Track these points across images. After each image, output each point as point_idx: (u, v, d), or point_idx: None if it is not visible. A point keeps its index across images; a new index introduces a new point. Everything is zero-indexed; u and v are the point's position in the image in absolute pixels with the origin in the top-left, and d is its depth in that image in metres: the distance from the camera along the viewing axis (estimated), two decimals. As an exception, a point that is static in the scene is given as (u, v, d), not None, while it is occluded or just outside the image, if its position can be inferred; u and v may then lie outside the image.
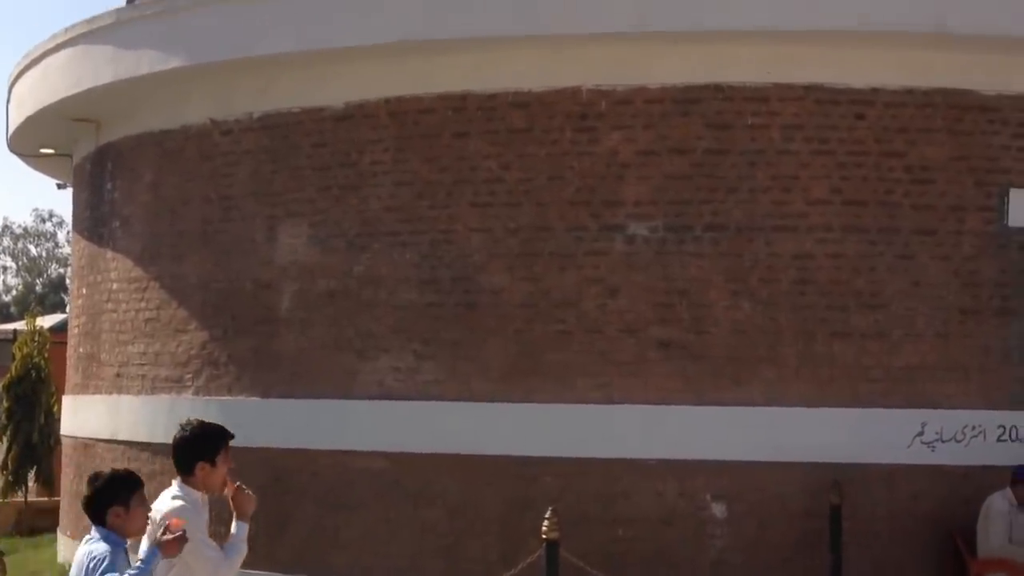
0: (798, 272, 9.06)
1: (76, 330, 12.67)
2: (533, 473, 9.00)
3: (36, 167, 15.20)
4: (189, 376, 10.50)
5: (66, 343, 13.34)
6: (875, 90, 9.15)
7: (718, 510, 8.87)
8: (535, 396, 9.07)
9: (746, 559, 8.82)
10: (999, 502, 8.61)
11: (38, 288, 49.79)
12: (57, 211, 51.97)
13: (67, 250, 40.28)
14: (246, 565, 5.29)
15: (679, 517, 8.89)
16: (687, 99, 9.15)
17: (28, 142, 13.41)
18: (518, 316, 9.19)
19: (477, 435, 9.10)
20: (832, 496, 8.50)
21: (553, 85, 9.23)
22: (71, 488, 12.39)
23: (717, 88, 9.13)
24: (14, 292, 50.60)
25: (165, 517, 4.82)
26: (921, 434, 8.94)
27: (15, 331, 17.63)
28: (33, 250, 52.28)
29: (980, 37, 8.86)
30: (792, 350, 9.00)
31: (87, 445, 12.01)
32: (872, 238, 9.11)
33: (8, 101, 13.16)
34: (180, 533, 4.70)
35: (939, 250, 9.16)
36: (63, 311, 29.24)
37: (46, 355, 15.83)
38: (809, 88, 9.13)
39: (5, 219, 71.01)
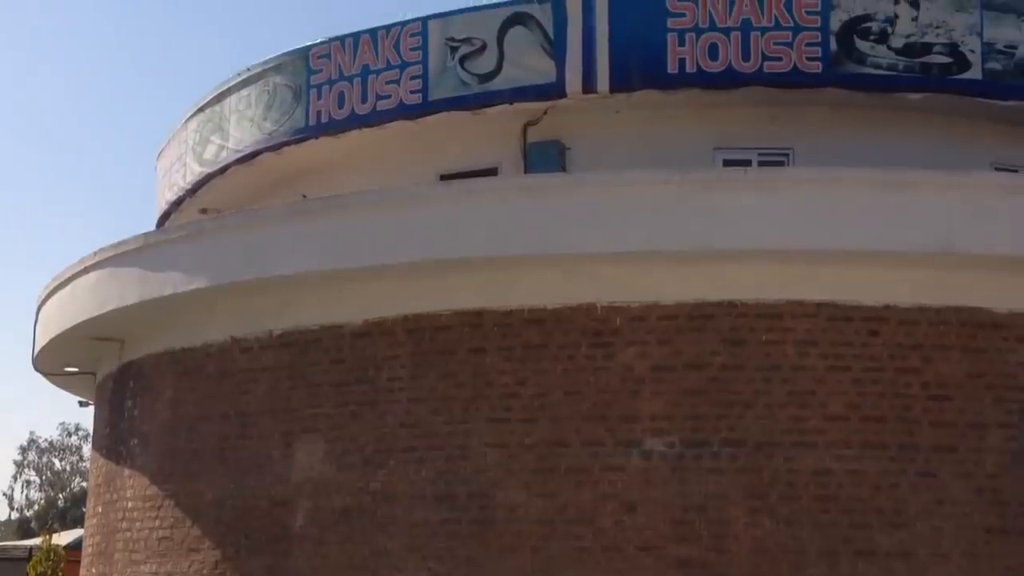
0: (819, 489, 8.94)
1: (89, 550, 12.50)
2: None
3: (60, 385, 15.36)
4: (199, 596, 10.29)
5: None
6: (888, 307, 9.27)
7: None
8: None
9: None
10: None
11: (60, 502, 49.36)
12: (84, 424, 52.23)
13: (86, 471, 40.02)
14: None
15: None
16: (701, 315, 9.27)
17: (53, 361, 13.61)
18: (534, 533, 9.04)
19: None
20: None
21: (568, 302, 9.39)
22: None
23: (730, 305, 9.27)
24: (36, 507, 50.17)
25: None
26: (955, 658, 8.60)
27: (31, 549, 17.42)
28: (57, 464, 52.17)
29: (987, 256, 9.04)
30: (816, 570, 8.79)
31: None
32: (892, 455, 9.02)
33: (36, 322, 13.44)
34: None
35: (961, 468, 9.05)
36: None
37: (60, 575, 15.56)
38: (822, 305, 9.25)
39: (31, 433, 71.24)
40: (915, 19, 11.43)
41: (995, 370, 9.25)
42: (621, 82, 11.65)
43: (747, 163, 11.65)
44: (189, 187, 14.63)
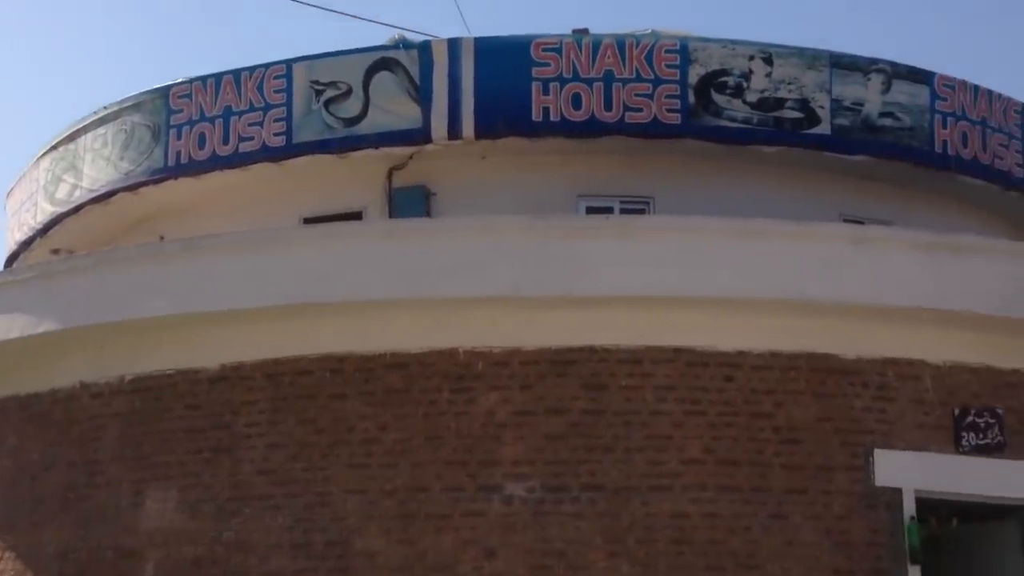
0: (675, 532, 9.07)
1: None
2: None
3: None
4: (41, 654, 9.84)
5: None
6: (742, 353, 9.49)
7: None
8: (410, 667, 8.71)
9: None
10: None
11: None
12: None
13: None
14: None
15: None
16: (563, 360, 9.35)
17: None
18: (393, 581, 8.94)
19: None
20: None
21: (431, 346, 9.37)
22: None
23: (591, 350, 9.38)
24: None
25: None
26: None
27: None
28: None
29: (835, 305, 9.35)
30: (672, 612, 8.88)
31: None
32: (745, 497, 9.22)
33: None
34: None
35: (811, 510, 9.29)
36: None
37: None
38: (679, 351, 9.43)
39: None
40: (769, 75, 11.88)
41: (843, 414, 9.55)
42: (486, 129, 11.79)
43: (609, 210, 11.88)
44: (40, 227, 14.18)
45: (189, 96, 12.54)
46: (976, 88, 12.67)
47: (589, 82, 11.69)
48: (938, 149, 12.32)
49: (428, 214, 11.86)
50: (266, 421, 9.54)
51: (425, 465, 9.17)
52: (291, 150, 12.11)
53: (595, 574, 8.93)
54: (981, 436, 9.88)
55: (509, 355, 9.35)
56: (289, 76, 12.15)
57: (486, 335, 9.36)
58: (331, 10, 14.85)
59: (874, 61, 12.21)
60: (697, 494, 9.16)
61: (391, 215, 11.98)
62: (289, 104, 12.10)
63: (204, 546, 9.43)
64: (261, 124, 12.15)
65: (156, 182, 12.76)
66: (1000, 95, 12.87)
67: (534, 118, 11.70)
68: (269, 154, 12.18)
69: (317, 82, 12.07)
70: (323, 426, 9.40)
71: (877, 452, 9.51)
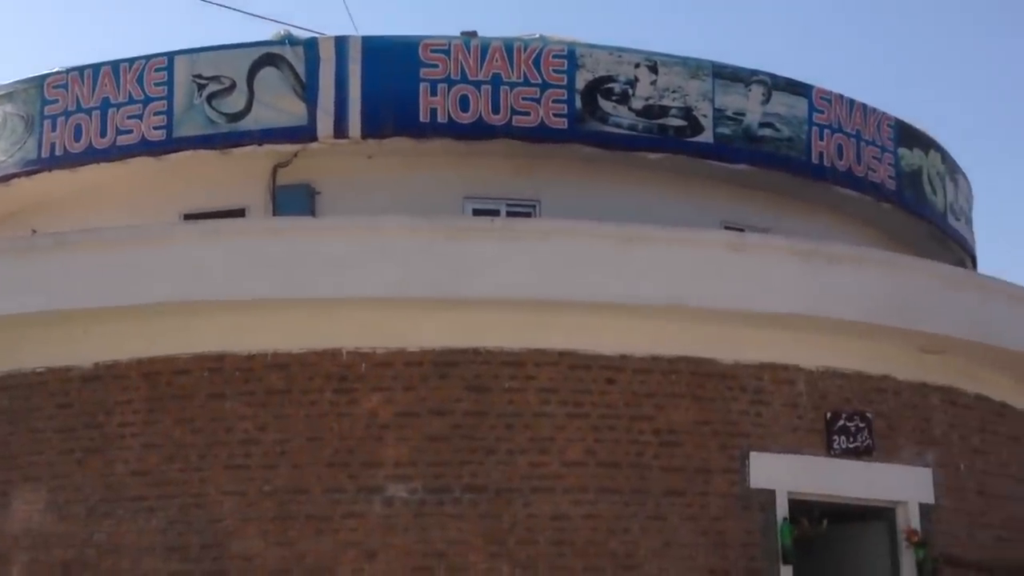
0: (556, 533, 9.13)
1: None
2: None
3: None
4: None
5: None
6: (624, 357, 9.61)
7: None
8: (286, 670, 8.60)
9: None
10: None
11: None
12: None
13: None
14: None
15: None
16: (446, 362, 9.34)
17: None
18: (271, 583, 8.81)
19: None
20: None
21: (313, 347, 9.27)
22: None
23: (475, 352, 9.39)
24: None
25: None
26: None
27: None
28: None
29: (714, 310, 9.53)
30: (552, 613, 8.93)
31: None
32: (625, 499, 9.33)
33: None
34: None
35: (688, 511, 9.45)
36: None
37: None
38: (563, 354, 9.50)
39: None
40: (654, 83, 12.04)
41: (720, 418, 9.74)
42: (373, 128, 11.69)
43: (496, 213, 11.89)
44: (-91, 218, 13.61)
45: (65, 87, 12.17)
46: (852, 102, 13.03)
47: (477, 84, 11.70)
48: (815, 160, 12.64)
49: (313, 213, 11.71)
50: (141, 421, 9.32)
51: (305, 466, 9.06)
52: (171, 144, 11.83)
53: (475, 575, 8.92)
54: (851, 439, 10.18)
55: (392, 356, 9.30)
56: (170, 69, 11.88)
57: (369, 336, 9.30)
58: (216, 3, 14.51)
59: (755, 72, 12.48)
60: (578, 496, 9.23)
61: (275, 213, 11.80)
62: (170, 97, 11.83)
63: (74, 549, 9.17)
64: (140, 117, 11.85)
65: (28, 174, 12.34)
66: (874, 109, 13.27)
67: (421, 119, 11.65)
68: (148, 148, 11.88)
69: (199, 76, 11.82)
70: (200, 426, 9.22)
71: (753, 455, 9.73)
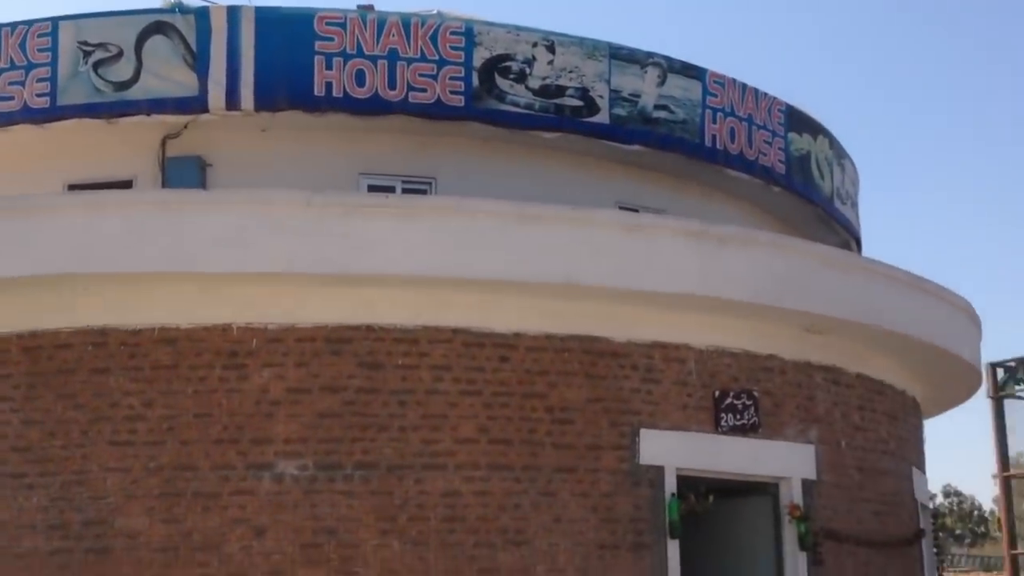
0: (447, 510, 9.15)
1: None
2: None
3: None
4: None
5: None
6: (517, 335, 9.65)
7: None
8: (171, 648, 8.47)
9: None
10: None
11: None
12: None
13: None
14: None
15: None
16: (339, 338, 9.27)
17: None
18: (156, 561, 8.66)
19: None
20: None
21: (202, 322, 9.11)
22: None
23: (368, 329, 9.33)
24: None
25: None
26: (564, 670, 9.03)
27: None
28: None
29: (607, 289, 9.62)
30: (441, 589, 8.96)
31: None
32: (517, 475, 9.38)
33: None
34: None
35: (579, 487, 9.55)
36: None
37: None
38: (457, 331, 9.50)
39: None
40: (551, 63, 12.07)
41: (612, 395, 9.86)
42: (266, 101, 11.50)
43: (391, 190, 11.83)
44: None
45: (-55, 50, 11.71)
46: (744, 86, 13.25)
47: (373, 59, 11.59)
48: (708, 143, 12.83)
49: (203, 186, 11.49)
50: (21, 396, 9.07)
51: (193, 443, 8.92)
52: (55, 112, 11.48)
53: (366, 552, 8.90)
54: (738, 417, 10.39)
55: (284, 332, 9.20)
56: (55, 35, 11.51)
57: (261, 311, 9.18)
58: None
59: (651, 55, 12.59)
60: (470, 472, 9.26)
61: (164, 185, 11.55)
62: (54, 64, 11.47)
63: (-50, 528, 8.87)
64: (23, 84, 11.48)
65: (-92, 140, 11.87)
66: (766, 94, 13.51)
67: (316, 93, 11.50)
68: (31, 116, 11.52)
69: (85, 43, 11.49)
70: (84, 402, 9.01)
71: (643, 432, 9.87)
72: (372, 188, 11.82)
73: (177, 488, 8.83)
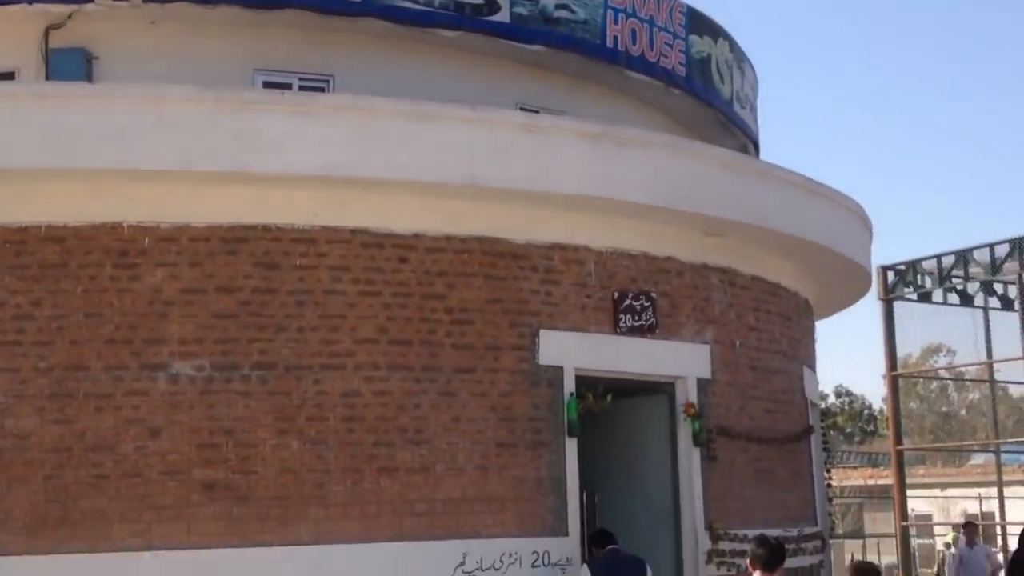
0: (346, 410, 9.16)
1: None
2: (60, 632, 8.27)
3: None
4: None
5: None
6: (417, 235, 9.61)
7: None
8: (66, 547, 8.39)
9: None
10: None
11: None
12: None
13: None
14: None
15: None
16: (234, 238, 9.12)
17: None
18: (48, 461, 8.53)
19: (-4, 595, 8.26)
20: (377, 633, 8.47)
21: (91, 220, 8.87)
22: None
23: (265, 228, 9.19)
24: None
25: None
26: (463, 564, 9.20)
27: None
28: None
29: (507, 190, 9.59)
30: (340, 487, 9.01)
31: None
32: (416, 376, 9.42)
33: None
34: None
35: (478, 387, 9.63)
36: None
37: None
38: (356, 231, 9.42)
39: None
40: (451, -40, 11.84)
41: (511, 297, 9.90)
42: (155, -9, 11.10)
43: (287, 87, 11.57)
44: None
45: None
46: (646, -13, 13.18)
47: (269, -50, 11.23)
48: (609, 44, 12.77)
49: (90, 79, 11.10)
50: (-97, 296, 8.75)
51: (84, 343, 8.75)
52: (-70, 1, 10.96)
53: (264, 452, 8.89)
54: (636, 318, 10.54)
55: (177, 231, 9.02)
56: (-73, -85, 10.93)
57: (152, 210, 8.97)
58: None
59: (552, -47, 12.43)
60: (369, 372, 9.26)
61: (48, 78, 11.13)
62: (-69, -51, 10.91)
63: None
64: (-100, -32, 10.91)
65: None
66: (668, -4, 13.46)
67: (208, -16, 11.13)
68: (-95, 4, 10.97)
69: (-38, -73, 10.94)
70: (-31, 301, 8.74)
71: (542, 332, 9.96)
72: (268, 85, 11.55)
73: (68, 389, 8.67)
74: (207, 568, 8.56)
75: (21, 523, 8.43)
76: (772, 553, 6.83)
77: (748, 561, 7.00)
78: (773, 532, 11.09)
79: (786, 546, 11.23)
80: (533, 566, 9.46)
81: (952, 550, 14.46)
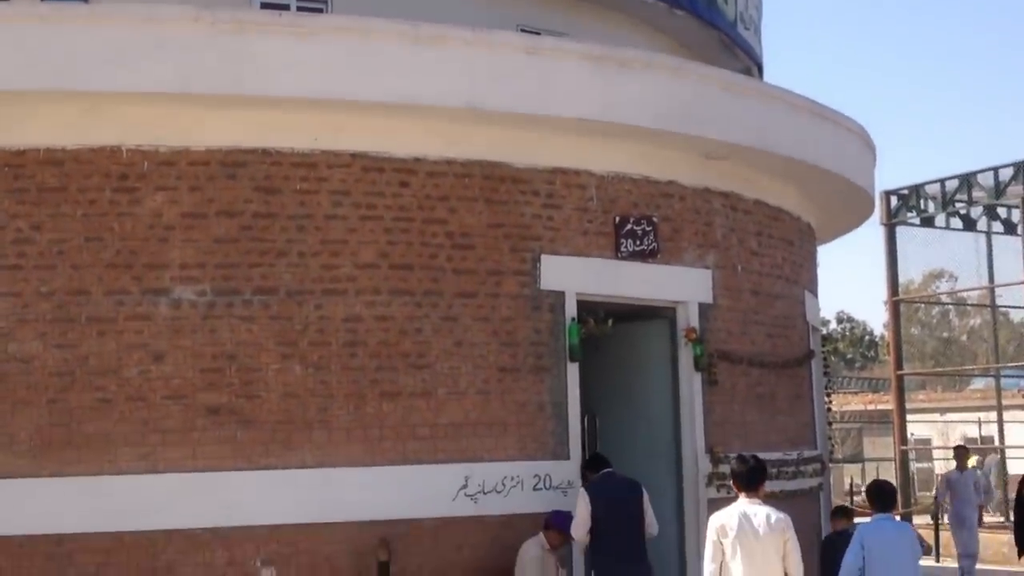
0: (348, 335, 9.18)
1: None
2: (67, 551, 8.37)
3: None
4: None
5: None
6: (417, 160, 9.55)
7: (268, 576, 8.71)
8: (70, 469, 8.47)
9: (293, 623, 8.69)
10: (532, 549, 9.06)
11: None
12: None
13: None
14: None
15: (226, 586, 8.61)
16: (234, 162, 9.07)
17: None
18: (52, 385, 8.58)
19: (4, 515, 8.33)
20: (379, 553, 8.58)
21: (89, 143, 8.81)
22: None
23: (264, 152, 9.14)
24: None
25: None
26: (465, 487, 9.28)
27: None
28: None
29: (508, 114, 9.51)
30: (343, 412, 9.07)
31: None
32: (418, 301, 9.43)
33: None
34: None
35: (480, 312, 9.64)
36: None
37: None
38: (356, 155, 9.36)
39: None
40: None
41: (513, 221, 9.87)
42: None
43: (285, 7, 11.41)
44: None
45: None
46: (652, -94, 12.96)
47: None
48: (612, -36, 12.57)
49: (86, 0, 10.93)
50: (-97, 220, 8.73)
51: (85, 268, 8.74)
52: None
53: (267, 376, 8.93)
54: (638, 243, 10.52)
55: (176, 155, 8.96)
56: None
57: (151, 133, 8.91)
58: None
59: None
60: (371, 297, 9.27)
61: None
62: None
63: None
64: None
65: None
66: (673, -85, 13.23)
67: None
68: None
69: None
70: (-32, 224, 8.71)
71: (544, 258, 9.94)
72: (265, 5, 11.40)
73: (70, 313, 8.68)
74: (213, 491, 8.64)
75: (26, 446, 8.49)
76: (752, 472, 6.86)
77: (731, 481, 7.05)
78: (773, 455, 11.24)
79: (786, 468, 11.41)
80: (535, 489, 9.55)
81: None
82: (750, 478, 6.81)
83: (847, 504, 19.83)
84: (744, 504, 6.77)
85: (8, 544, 8.33)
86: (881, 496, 7.77)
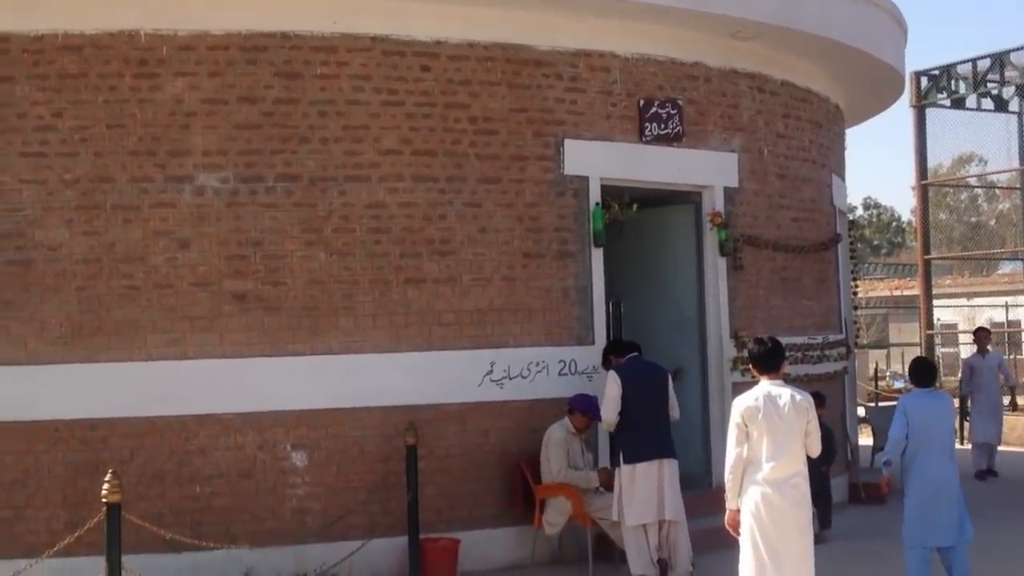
0: (372, 221, 9.16)
1: None
2: (101, 436, 8.52)
3: None
4: None
5: None
6: (439, 43, 9.41)
7: (298, 459, 8.84)
8: (100, 355, 8.57)
9: (325, 505, 8.85)
10: (558, 432, 9.17)
11: None
12: None
13: None
14: None
15: (259, 469, 8.76)
16: (253, 47, 8.96)
17: None
18: (80, 273, 8.63)
19: (36, 400, 8.47)
20: (408, 437, 8.69)
21: (107, 28, 8.71)
22: None
23: (284, 36, 9.02)
24: None
25: None
26: (491, 372, 9.36)
27: None
28: None
29: (526, -6, 9.33)
30: (368, 298, 9.10)
31: None
32: (441, 187, 9.38)
33: None
34: None
35: (503, 198, 9.59)
36: None
37: None
38: (376, 39, 9.23)
39: None
40: None
41: (536, 105, 9.75)
42: None
43: None
44: None
45: None
46: None
47: None
48: None
49: None
50: (-76, 109, 8.70)
51: (108, 155, 8.72)
52: None
53: (292, 263, 8.96)
54: (662, 126, 10.39)
55: (195, 39, 8.86)
56: None
57: (168, 17, 8.80)
58: None
59: None
60: (394, 184, 9.23)
61: None
62: None
63: None
64: None
65: None
66: None
67: None
68: None
69: None
70: (-11, 111, 8.68)
71: (567, 142, 9.85)
72: None
73: (95, 200, 8.69)
74: (241, 376, 8.75)
75: (56, 332, 8.59)
76: (769, 353, 6.83)
77: (749, 363, 7.03)
78: (798, 339, 11.25)
79: (811, 353, 11.42)
80: (560, 374, 9.62)
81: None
82: (768, 359, 6.80)
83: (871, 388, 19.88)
84: (767, 386, 6.78)
85: (44, 429, 8.49)
86: (922, 371, 8.04)
